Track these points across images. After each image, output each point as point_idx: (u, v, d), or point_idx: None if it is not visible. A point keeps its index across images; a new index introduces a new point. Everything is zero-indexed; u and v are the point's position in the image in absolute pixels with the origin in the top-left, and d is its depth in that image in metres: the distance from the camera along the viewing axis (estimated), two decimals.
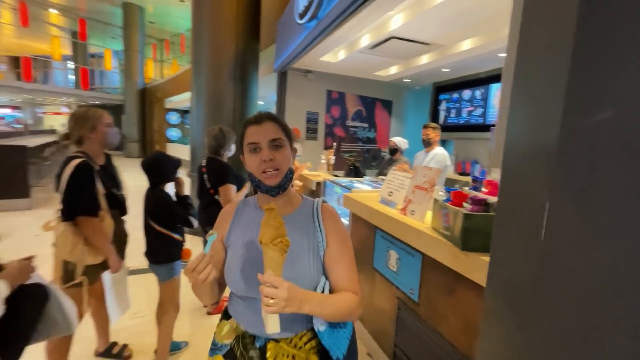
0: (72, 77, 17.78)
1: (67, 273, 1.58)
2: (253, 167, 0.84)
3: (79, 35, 13.81)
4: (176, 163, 1.85)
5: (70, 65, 17.13)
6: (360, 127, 5.48)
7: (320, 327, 0.83)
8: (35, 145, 5.85)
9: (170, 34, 14.99)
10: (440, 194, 1.51)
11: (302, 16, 2.64)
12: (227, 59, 4.10)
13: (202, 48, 4.08)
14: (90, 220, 1.58)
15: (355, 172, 3.52)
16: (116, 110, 15.74)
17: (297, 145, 3.06)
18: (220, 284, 0.94)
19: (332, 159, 3.47)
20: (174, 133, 14.01)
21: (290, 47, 3.41)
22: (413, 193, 1.73)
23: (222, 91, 4.14)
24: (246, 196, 1.38)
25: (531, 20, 0.51)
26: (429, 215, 1.58)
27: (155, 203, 1.76)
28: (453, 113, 4.77)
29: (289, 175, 0.87)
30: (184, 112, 14.10)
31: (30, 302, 0.96)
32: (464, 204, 1.27)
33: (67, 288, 1.56)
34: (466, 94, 4.53)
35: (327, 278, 0.88)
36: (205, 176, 2.25)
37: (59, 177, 1.55)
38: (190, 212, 1.87)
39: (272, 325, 0.69)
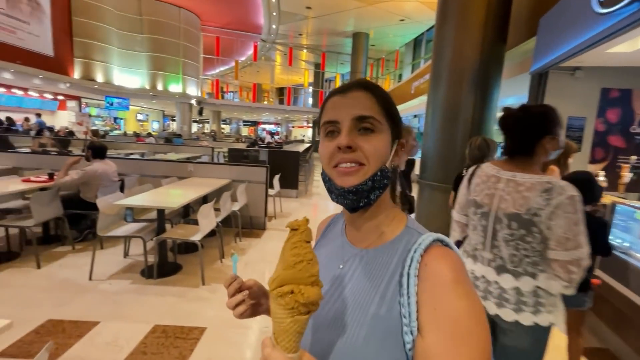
0: (310, 99, 23.45)
1: None
2: (325, 157, 0.53)
3: (321, 66, 17.92)
4: (602, 190, 1.83)
5: (310, 89, 22.43)
6: None
7: None
8: (301, 150, 8.00)
9: (386, 52, 16.64)
10: None
11: (607, 4, 2.19)
12: (469, 68, 4.02)
13: (444, 58, 4.18)
14: None
15: None
16: None
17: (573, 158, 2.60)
18: None
19: (627, 176, 2.65)
20: None
21: (569, 44, 2.93)
22: None
23: (459, 101, 4.09)
24: None
25: None
26: None
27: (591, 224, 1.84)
28: None
29: (381, 179, 0.51)
30: None
31: None
32: None
33: None
34: None
35: None
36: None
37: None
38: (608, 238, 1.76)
39: None
